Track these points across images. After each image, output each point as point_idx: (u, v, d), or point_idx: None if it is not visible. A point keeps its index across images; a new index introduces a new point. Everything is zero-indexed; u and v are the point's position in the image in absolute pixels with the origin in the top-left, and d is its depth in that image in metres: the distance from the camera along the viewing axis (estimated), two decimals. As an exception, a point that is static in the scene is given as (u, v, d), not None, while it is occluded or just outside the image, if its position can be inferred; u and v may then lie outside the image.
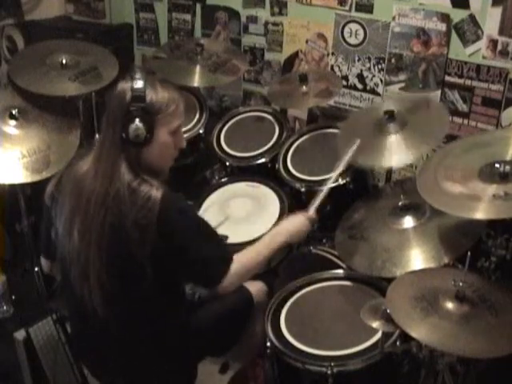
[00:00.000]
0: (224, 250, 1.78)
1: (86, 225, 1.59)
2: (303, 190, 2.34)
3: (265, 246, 1.86)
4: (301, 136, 2.63)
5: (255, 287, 1.97)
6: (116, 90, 1.64)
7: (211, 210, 2.36)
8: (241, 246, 2.15)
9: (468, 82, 2.52)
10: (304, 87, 2.61)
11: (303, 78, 2.61)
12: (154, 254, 1.55)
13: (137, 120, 1.57)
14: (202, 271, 1.71)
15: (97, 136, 2.73)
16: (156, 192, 1.56)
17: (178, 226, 1.62)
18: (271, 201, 2.34)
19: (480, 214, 1.61)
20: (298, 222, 1.96)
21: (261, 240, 1.89)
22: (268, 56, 3.13)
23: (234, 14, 3.16)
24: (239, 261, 1.75)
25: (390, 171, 2.46)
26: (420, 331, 1.49)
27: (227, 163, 2.60)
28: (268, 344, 1.83)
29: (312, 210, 2.03)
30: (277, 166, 2.49)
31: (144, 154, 1.63)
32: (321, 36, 2.91)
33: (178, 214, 1.63)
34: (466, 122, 2.57)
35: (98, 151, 1.64)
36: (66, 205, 1.64)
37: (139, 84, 1.58)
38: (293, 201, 2.33)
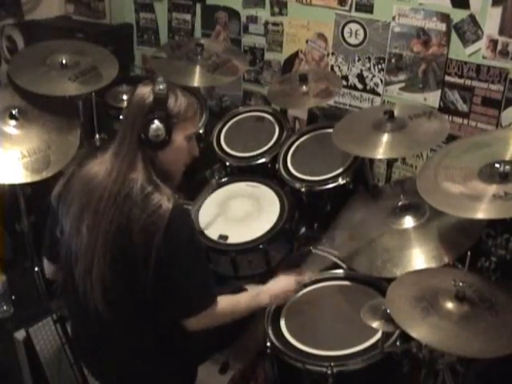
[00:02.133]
0: (213, 287, 1.71)
1: (96, 221, 1.59)
2: (303, 190, 2.34)
3: (245, 302, 1.79)
4: (301, 136, 2.63)
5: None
6: (136, 92, 1.65)
7: (211, 210, 2.36)
8: (241, 246, 2.17)
9: (468, 82, 2.52)
10: (304, 87, 2.61)
11: (303, 78, 2.61)
12: (155, 260, 1.55)
13: (157, 121, 1.59)
14: (185, 297, 1.65)
15: (97, 136, 2.74)
16: (167, 202, 1.57)
17: (183, 240, 1.61)
18: (271, 201, 2.34)
19: (480, 214, 1.61)
20: (285, 285, 1.91)
21: (243, 295, 1.83)
22: (268, 56, 3.13)
23: (234, 14, 3.16)
24: (219, 305, 1.69)
25: (389, 171, 2.46)
26: (420, 331, 1.49)
27: (227, 163, 2.60)
28: (268, 344, 1.83)
29: (307, 276, 2.01)
30: (277, 166, 2.49)
31: (159, 157, 1.65)
32: (321, 36, 2.91)
33: (185, 228, 1.63)
34: (465, 122, 2.58)
35: (116, 150, 1.65)
36: (75, 202, 1.64)
37: (161, 87, 1.61)
38: (293, 201, 2.34)
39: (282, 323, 1.89)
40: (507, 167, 1.68)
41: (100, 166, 1.65)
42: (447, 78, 2.57)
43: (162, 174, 1.65)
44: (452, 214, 1.74)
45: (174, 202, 1.58)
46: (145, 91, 1.63)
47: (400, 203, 2.05)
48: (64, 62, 2.56)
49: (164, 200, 1.57)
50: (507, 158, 1.75)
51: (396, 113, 2.20)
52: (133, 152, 1.61)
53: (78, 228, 1.62)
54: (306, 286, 2.04)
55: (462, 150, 1.91)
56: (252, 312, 1.81)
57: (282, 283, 1.92)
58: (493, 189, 1.65)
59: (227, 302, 1.73)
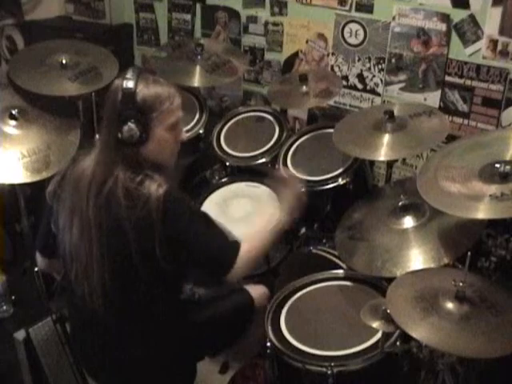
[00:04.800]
0: (231, 237, 1.70)
1: (85, 224, 1.59)
2: (303, 190, 2.34)
3: (268, 233, 1.77)
4: (301, 136, 2.62)
5: (257, 292, 1.96)
6: (110, 88, 1.62)
7: (211, 210, 2.36)
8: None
9: (468, 82, 2.52)
10: (304, 87, 2.60)
11: (303, 78, 2.61)
12: (166, 246, 1.55)
13: (129, 121, 1.56)
14: (212, 259, 1.65)
15: (97, 136, 2.73)
16: (159, 189, 1.55)
17: (184, 220, 1.59)
18: (271, 201, 2.34)
19: (480, 214, 1.60)
20: (292, 194, 1.88)
21: (261, 230, 1.78)
22: (268, 56, 3.13)
23: (234, 14, 3.16)
24: (248, 245, 1.68)
25: (390, 171, 2.46)
26: (420, 331, 1.48)
27: (227, 163, 2.60)
28: (268, 344, 1.83)
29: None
30: (277, 166, 2.49)
31: (142, 152, 1.61)
32: (321, 36, 2.91)
33: (182, 208, 1.61)
34: (466, 122, 2.58)
35: (99, 149, 1.64)
36: (66, 202, 1.65)
37: (129, 84, 1.56)
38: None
39: (282, 323, 1.89)
40: (507, 167, 1.67)
41: (87, 166, 1.64)
42: (447, 78, 2.57)
43: (151, 166, 1.62)
44: (451, 214, 1.74)
45: (166, 186, 1.56)
46: (116, 87, 1.59)
47: (400, 203, 2.04)
48: (64, 62, 2.56)
49: (153, 189, 1.54)
50: (507, 158, 1.75)
51: (396, 112, 2.20)
52: (113, 151, 1.59)
53: (69, 229, 1.63)
54: (308, 284, 2.04)
55: (463, 149, 1.91)
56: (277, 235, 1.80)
57: (289, 195, 1.87)
58: (492, 189, 1.65)
59: (254, 239, 1.71)
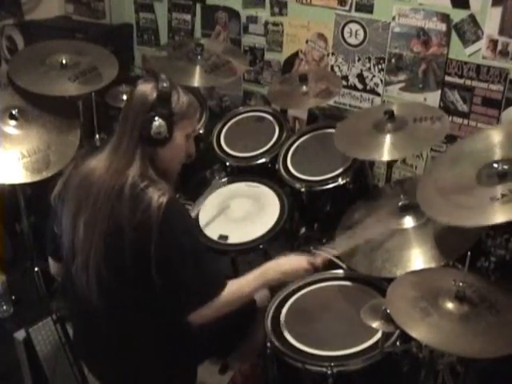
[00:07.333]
0: (219, 273, 1.72)
1: (93, 216, 1.59)
2: (303, 190, 2.34)
3: (253, 281, 1.73)
4: (301, 136, 2.62)
5: (259, 293, 1.96)
6: (137, 89, 1.65)
7: (211, 210, 2.36)
8: (241, 246, 2.17)
9: (468, 82, 2.52)
10: (304, 87, 2.61)
11: (303, 78, 2.61)
12: (154, 256, 1.55)
13: (160, 118, 1.60)
14: (194, 288, 1.63)
15: (97, 136, 2.74)
16: (162, 197, 1.55)
17: (178, 235, 1.60)
18: (271, 201, 2.34)
19: (495, 218, 1.58)
20: (296, 262, 1.82)
21: (249, 276, 1.75)
22: (268, 56, 3.14)
23: (234, 14, 3.17)
24: (226, 292, 1.66)
25: (390, 171, 2.46)
26: (420, 331, 1.48)
27: (227, 163, 2.60)
28: (268, 344, 1.83)
29: (319, 260, 1.89)
30: (277, 166, 2.49)
31: (159, 154, 1.65)
32: (321, 36, 2.91)
33: (180, 222, 1.62)
34: (466, 122, 2.58)
35: (115, 146, 1.64)
36: (72, 197, 1.65)
37: (165, 84, 1.63)
38: (293, 201, 2.34)
39: (282, 323, 1.89)
40: (505, 166, 1.67)
41: (98, 162, 1.65)
42: (447, 78, 2.57)
43: (159, 173, 1.65)
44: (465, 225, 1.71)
45: (168, 196, 1.57)
46: (147, 88, 1.64)
47: (400, 203, 2.04)
48: (64, 62, 2.56)
49: (156, 196, 1.55)
50: (497, 158, 1.73)
51: (401, 113, 2.18)
52: (132, 148, 1.61)
53: (75, 223, 1.62)
54: (308, 284, 2.04)
55: (451, 161, 1.89)
56: (262, 287, 1.80)
57: (292, 260, 1.84)
58: (493, 190, 1.64)
59: (233, 288, 1.69)
